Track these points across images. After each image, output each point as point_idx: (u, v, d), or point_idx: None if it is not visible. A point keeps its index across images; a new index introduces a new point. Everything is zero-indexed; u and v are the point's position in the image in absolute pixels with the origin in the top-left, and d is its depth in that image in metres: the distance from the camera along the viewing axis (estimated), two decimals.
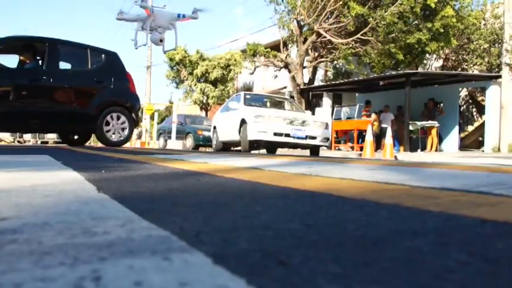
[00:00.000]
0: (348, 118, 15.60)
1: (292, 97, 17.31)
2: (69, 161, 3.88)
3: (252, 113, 9.86)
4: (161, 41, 8.20)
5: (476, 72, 17.13)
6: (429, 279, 0.64)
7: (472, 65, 17.83)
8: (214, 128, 12.38)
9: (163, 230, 0.95)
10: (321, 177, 2.29)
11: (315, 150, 10.73)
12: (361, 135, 14.20)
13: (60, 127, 9.27)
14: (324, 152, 14.04)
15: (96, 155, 5.53)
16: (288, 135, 9.79)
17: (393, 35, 14.46)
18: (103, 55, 8.81)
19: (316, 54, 17.38)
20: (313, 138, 10.09)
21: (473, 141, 17.83)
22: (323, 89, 17.83)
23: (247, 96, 11.61)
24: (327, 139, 10.46)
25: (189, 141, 16.42)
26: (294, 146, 10.51)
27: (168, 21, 8.37)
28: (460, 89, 16.63)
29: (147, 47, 9.28)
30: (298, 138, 9.89)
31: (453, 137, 14.83)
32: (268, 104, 11.95)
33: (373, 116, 14.67)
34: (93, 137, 38.03)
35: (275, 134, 9.65)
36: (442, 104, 15.35)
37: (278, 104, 12.31)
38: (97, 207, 1.26)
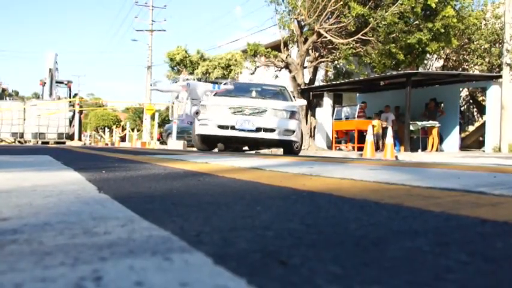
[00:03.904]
0: (347, 118, 15.61)
1: None
2: (70, 161, 3.88)
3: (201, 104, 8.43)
4: (197, 113, 8.01)
5: (476, 72, 17.12)
6: (429, 279, 0.64)
7: (472, 65, 17.81)
8: None
9: (164, 230, 0.95)
10: (322, 177, 2.29)
11: (287, 147, 8.84)
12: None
13: None
14: (323, 152, 14.02)
15: (96, 155, 5.54)
16: (233, 127, 8.12)
17: (394, 35, 14.45)
18: None
19: (317, 54, 17.38)
20: (271, 130, 8.22)
21: (473, 141, 17.82)
22: (323, 89, 17.82)
23: (224, 86, 10.44)
24: (292, 132, 8.37)
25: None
26: (247, 141, 8.68)
27: (203, 93, 8.14)
28: (461, 89, 16.62)
29: (183, 116, 8.84)
30: (248, 131, 8.13)
31: (454, 137, 14.82)
32: (253, 93, 9.98)
33: (377, 122, 14.57)
34: (93, 137, 37.79)
35: (220, 127, 8.15)
36: (442, 104, 15.35)
37: (263, 94, 10.16)
38: (98, 208, 1.26)
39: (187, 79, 8.11)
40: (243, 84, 12.08)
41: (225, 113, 8.23)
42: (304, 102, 10.31)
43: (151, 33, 31.15)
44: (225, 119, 8.16)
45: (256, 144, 9.48)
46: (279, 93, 10.02)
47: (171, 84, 8.49)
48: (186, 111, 7.98)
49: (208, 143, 9.07)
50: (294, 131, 8.41)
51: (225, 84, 8.75)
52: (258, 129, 8.17)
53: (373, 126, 13.98)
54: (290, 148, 8.79)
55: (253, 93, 9.86)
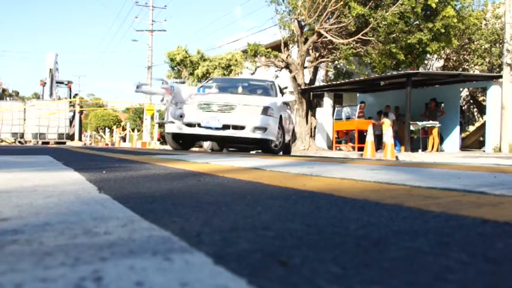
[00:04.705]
0: (348, 118, 15.62)
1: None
2: (70, 161, 3.88)
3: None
4: (181, 116, 7.83)
5: (477, 72, 17.12)
6: (430, 279, 0.64)
7: (473, 65, 17.82)
8: None
9: (164, 230, 0.95)
10: (322, 178, 2.29)
11: (264, 146, 8.20)
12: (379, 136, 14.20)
13: None
14: (324, 152, 14.01)
15: (97, 156, 5.54)
16: (199, 125, 7.73)
17: (394, 35, 14.45)
18: None
19: (317, 54, 17.38)
20: (240, 128, 7.69)
21: (474, 142, 17.82)
22: (324, 89, 17.83)
23: (209, 82, 10.00)
24: (264, 129, 7.75)
25: (207, 142, 13.91)
26: (216, 139, 8.05)
27: (188, 96, 7.94)
28: (461, 89, 16.62)
29: (169, 120, 8.41)
30: (215, 128, 7.67)
31: (454, 137, 14.82)
32: (240, 89, 9.41)
33: (387, 120, 14.56)
34: (93, 138, 37.86)
35: (187, 125, 7.81)
36: (443, 104, 15.36)
37: (248, 89, 9.61)
38: (98, 208, 1.26)
39: (165, 82, 7.78)
40: (230, 80, 11.55)
41: (193, 110, 7.86)
42: (291, 98, 9.57)
43: (151, 33, 31.20)
44: (192, 116, 7.78)
45: (228, 142, 8.87)
46: (264, 89, 9.48)
47: (156, 87, 8.11)
48: (170, 114, 7.82)
49: (181, 142, 8.65)
50: (265, 128, 7.76)
51: (209, 87, 8.38)
52: (226, 127, 7.68)
53: (381, 124, 14.00)
54: (267, 147, 8.15)
55: (239, 89, 9.35)
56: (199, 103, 7.88)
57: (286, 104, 9.43)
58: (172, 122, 7.87)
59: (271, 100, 8.47)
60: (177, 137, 8.38)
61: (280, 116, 8.36)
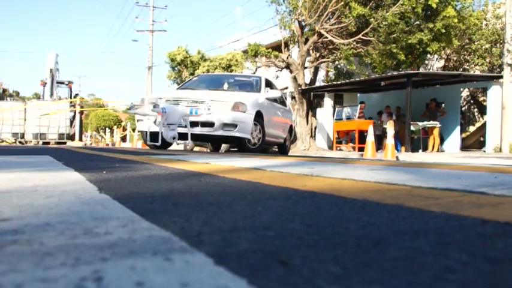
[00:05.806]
0: (348, 118, 15.62)
1: (293, 97, 17.30)
2: (71, 161, 3.88)
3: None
4: (174, 138, 7.73)
5: (477, 72, 17.12)
6: (429, 279, 0.64)
7: (473, 65, 17.81)
8: None
9: (165, 230, 0.95)
10: (323, 178, 2.29)
11: (239, 144, 7.90)
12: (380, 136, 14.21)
13: None
14: (324, 153, 14.01)
15: (97, 156, 5.53)
16: None
17: (394, 35, 14.44)
18: None
19: (318, 54, 17.38)
20: (210, 125, 7.40)
21: (474, 142, 17.81)
22: (324, 89, 17.83)
23: (194, 79, 9.70)
24: (234, 126, 7.37)
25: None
26: (183, 136, 7.66)
27: (180, 118, 7.83)
28: (462, 89, 16.62)
29: (138, 118, 8.26)
30: (184, 126, 7.45)
31: (454, 138, 14.82)
32: (226, 86, 9.13)
33: (390, 121, 14.54)
34: (94, 138, 37.82)
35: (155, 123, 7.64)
36: (443, 105, 15.36)
37: (234, 85, 9.25)
38: (98, 208, 1.26)
39: (157, 105, 7.52)
40: (214, 76, 11.23)
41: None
42: (276, 93, 8.94)
43: (151, 33, 31.22)
44: None
45: (199, 140, 8.52)
46: (248, 84, 9.10)
47: (148, 109, 7.92)
48: (164, 137, 7.64)
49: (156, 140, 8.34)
50: (235, 125, 7.37)
51: (204, 108, 8.08)
52: (194, 124, 7.42)
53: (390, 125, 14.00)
54: (241, 145, 7.81)
55: (225, 85, 8.98)
56: (168, 100, 7.71)
57: (274, 100, 9.09)
58: (141, 120, 7.76)
59: (248, 95, 8.10)
60: (152, 136, 8.16)
61: (259, 112, 7.99)
